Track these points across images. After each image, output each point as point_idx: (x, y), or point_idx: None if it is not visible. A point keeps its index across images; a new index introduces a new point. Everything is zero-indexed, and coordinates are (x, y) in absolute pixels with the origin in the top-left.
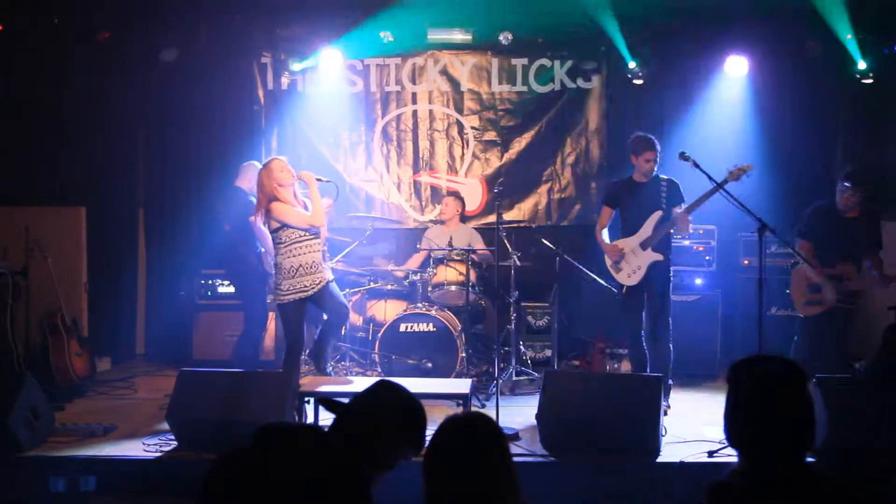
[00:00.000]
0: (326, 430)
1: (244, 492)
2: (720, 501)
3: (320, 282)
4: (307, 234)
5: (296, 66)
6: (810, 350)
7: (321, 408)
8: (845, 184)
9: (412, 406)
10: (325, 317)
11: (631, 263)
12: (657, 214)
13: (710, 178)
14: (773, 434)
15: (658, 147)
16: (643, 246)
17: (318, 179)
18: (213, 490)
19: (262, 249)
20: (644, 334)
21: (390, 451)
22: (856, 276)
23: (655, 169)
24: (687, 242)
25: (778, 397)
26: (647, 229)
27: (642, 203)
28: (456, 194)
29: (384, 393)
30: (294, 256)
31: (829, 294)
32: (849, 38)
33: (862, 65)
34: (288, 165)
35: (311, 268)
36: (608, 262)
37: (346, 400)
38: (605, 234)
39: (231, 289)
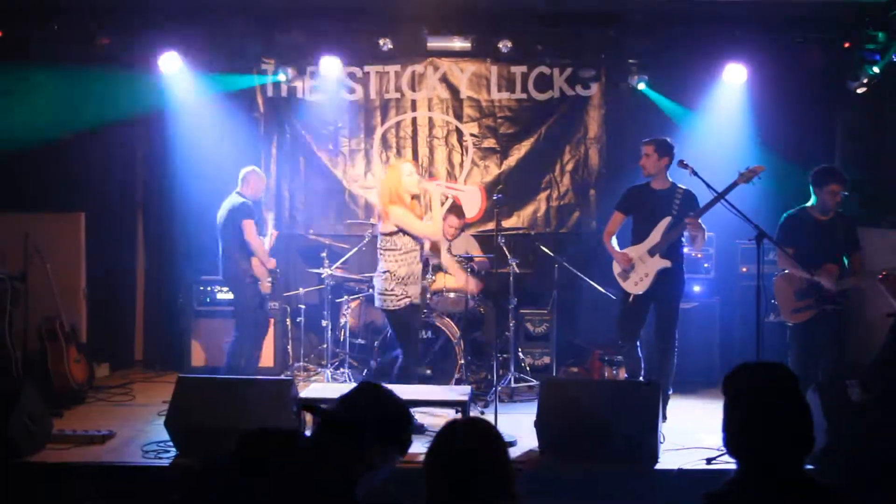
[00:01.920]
0: (310, 434)
1: (229, 500)
2: None
3: (417, 296)
4: (417, 244)
5: (295, 82)
6: (806, 357)
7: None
8: (830, 183)
9: (397, 407)
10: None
11: (638, 271)
12: (665, 221)
13: (708, 186)
14: (771, 442)
15: (653, 143)
16: (651, 252)
17: (445, 193)
18: (195, 498)
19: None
20: (641, 343)
21: (376, 453)
22: (839, 277)
23: (648, 165)
24: (686, 250)
25: (774, 405)
26: (655, 236)
27: (654, 210)
28: (457, 208)
29: (368, 395)
30: (409, 264)
31: (827, 283)
32: (847, 46)
33: (859, 73)
34: (416, 172)
35: (417, 278)
36: (616, 269)
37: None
38: (614, 241)
39: (230, 295)
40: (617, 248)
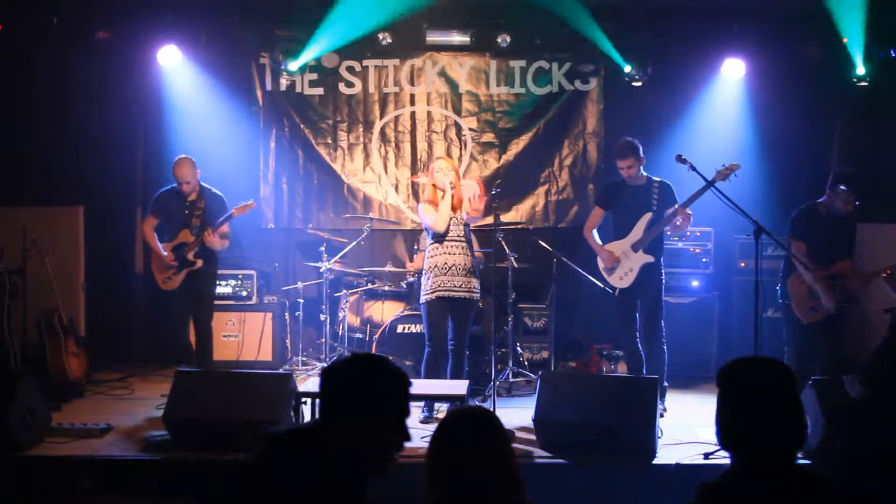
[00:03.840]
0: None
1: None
2: (711, 502)
3: (460, 287)
4: (434, 238)
5: (292, 66)
6: (805, 353)
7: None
8: (842, 187)
9: (359, 373)
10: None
11: (623, 266)
12: (647, 216)
13: (706, 180)
14: (763, 435)
15: (632, 154)
16: (634, 248)
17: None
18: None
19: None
20: (639, 336)
21: (375, 425)
22: (852, 274)
23: (635, 174)
24: (681, 245)
25: (767, 398)
26: (637, 231)
27: (633, 205)
28: None
29: (326, 380)
30: (430, 257)
31: (826, 301)
32: (845, 42)
33: (860, 69)
34: (447, 168)
35: (444, 269)
36: (601, 265)
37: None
38: (595, 236)
39: (228, 289)
40: (599, 242)
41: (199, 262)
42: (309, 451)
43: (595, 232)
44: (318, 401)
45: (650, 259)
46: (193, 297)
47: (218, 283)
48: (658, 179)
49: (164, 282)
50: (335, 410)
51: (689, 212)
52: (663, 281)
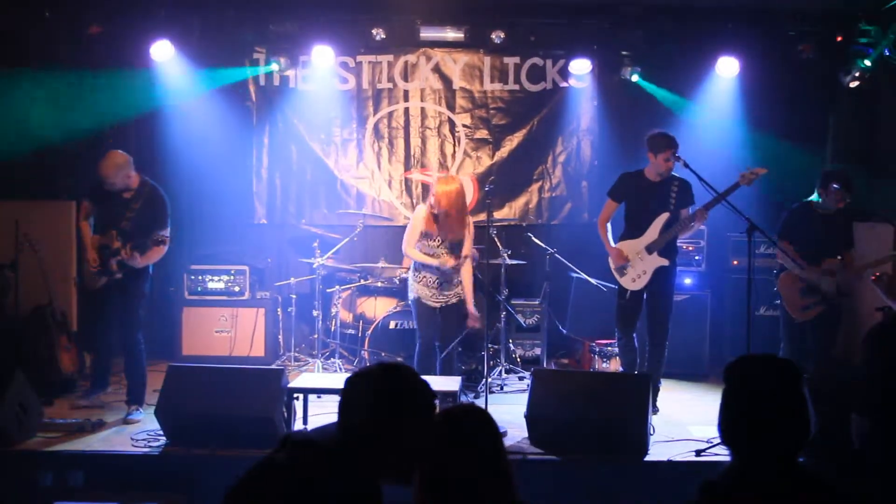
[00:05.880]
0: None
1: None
2: (712, 500)
3: (443, 297)
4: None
5: (286, 61)
6: (799, 351)
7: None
8: (835, 185)
9: (382, 392)
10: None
11: (636, 268)
12: (664, 216)
13: (699, 178)
14: (767, 433)
15: (670, 147)
16: (649, 250)
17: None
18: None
19: None
20: (637, 335)
21: (394, 446)
22: (842, 269)
23: (673, 167)
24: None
25: (772, 396)
26: (653, 232)
27: (650, 202)
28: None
29: (350, 394)
30: (414, 268)
31: (827, 287)
32: (839, 40)
33: (854, 66)
34: (444, 199)
35: (428, 283)
36: (612, 264)
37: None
38: (609, 232)
39: (221, 284)
40: (610, 239)
41: (119, 276)
42: (332, 477)
43: (609, 227)
44: (339, 403)
45: (665, 262)
46: (120, 303)
47: (212, 278)
48: (678, 177)
49: (87, 280)
50: (357, 422)
51: (706, 215)
52: (675, 282)
